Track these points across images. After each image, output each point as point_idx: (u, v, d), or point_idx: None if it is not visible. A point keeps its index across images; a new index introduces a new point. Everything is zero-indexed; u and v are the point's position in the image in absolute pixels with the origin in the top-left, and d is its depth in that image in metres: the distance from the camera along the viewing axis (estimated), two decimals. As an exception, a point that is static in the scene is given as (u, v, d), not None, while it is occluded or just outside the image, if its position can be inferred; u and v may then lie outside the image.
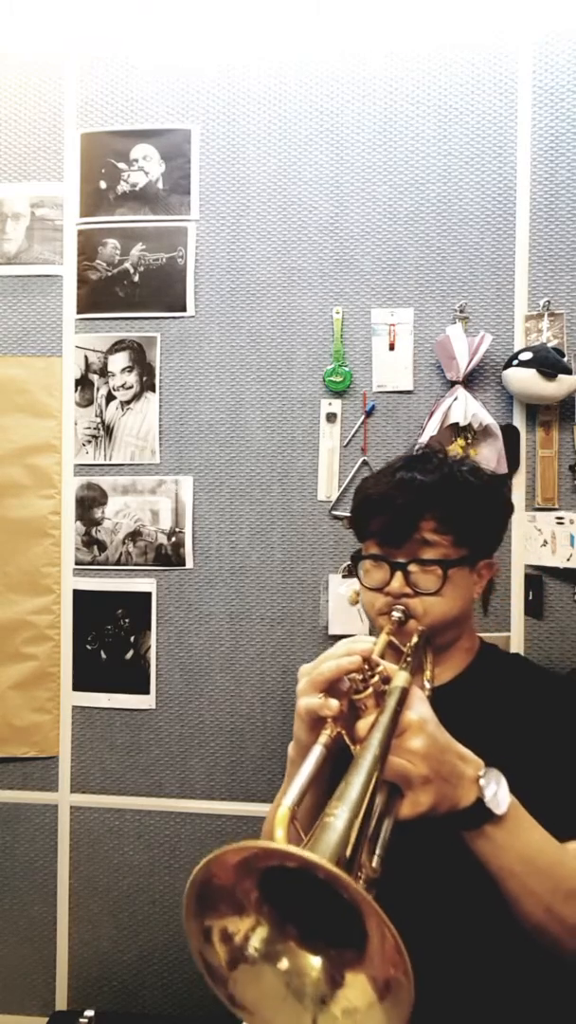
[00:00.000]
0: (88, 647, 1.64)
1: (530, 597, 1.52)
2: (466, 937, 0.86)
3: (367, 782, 0.56)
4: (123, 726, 1.63)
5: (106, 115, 1.65)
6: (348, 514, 1.56)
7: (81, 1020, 1.51)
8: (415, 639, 0.89)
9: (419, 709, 0.69)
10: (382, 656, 0.77)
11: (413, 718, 0.67)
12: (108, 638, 1.64)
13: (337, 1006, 0.48)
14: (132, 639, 1.63)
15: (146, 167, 1.64)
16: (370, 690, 0.70)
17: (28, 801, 1.65)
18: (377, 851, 0.61)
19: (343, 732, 0.69)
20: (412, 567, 0.93)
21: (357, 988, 0.48)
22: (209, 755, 1.61)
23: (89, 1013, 1.53)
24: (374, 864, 0.59)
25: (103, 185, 1.65)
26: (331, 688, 0.73)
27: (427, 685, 0.88)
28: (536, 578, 1.52)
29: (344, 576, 1.57)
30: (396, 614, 0.92)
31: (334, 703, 0.70)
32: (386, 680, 0.72)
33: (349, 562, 1.56)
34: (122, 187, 1.64)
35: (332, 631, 1.56)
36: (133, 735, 1.63)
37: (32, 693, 1.64)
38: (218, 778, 1.60)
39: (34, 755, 1.64)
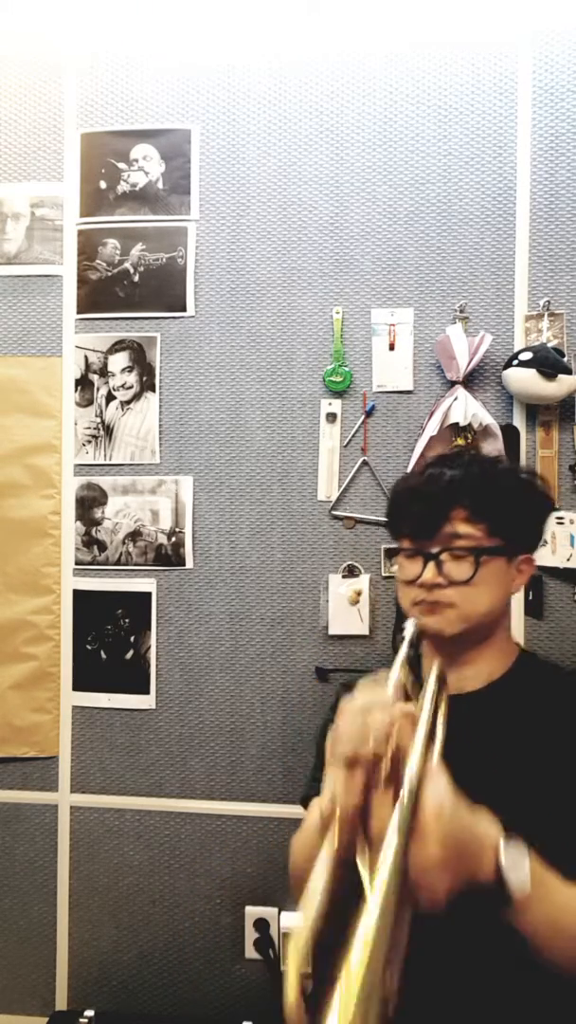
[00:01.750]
0: (88, 647, 1.64)
1: (530, 597, 1.52)
2: (462, 930, 0.85)
3: (378, 938, 0.55)
4: (123, 726, 1.63)
5: (106, 115, 1.65)
6: (352, 515, 1.57)
7: (81, 1020, 1.52)
8: (432, 686, 0.84)
9: (433, 799, 0.65)
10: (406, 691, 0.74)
11: (429, 819, 0.64)
12: (108, 638, 1.64)
13: None
14: (132, 639, 1.63)
15: (146, 167, 1.64)
16: (383, 773, 0.67)
17: (28, 801, 1.65)
18: (394, 961, 0.59)
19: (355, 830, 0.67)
20: (444, 556, 0.92)
21: None
22: (209, 755, 1.61)
23: (89, 1013, 1.53)
24: (391, 983, 0.58)
25: (103, 185, 1.65)
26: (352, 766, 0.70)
27: (438, 731, 0.81)
28: (536, 578, 1.52)
29: (344, 576, 1.57)
30: (408, 632, 0.90)
31: (354, 801, 0.67)
32: (396, 760, 0.68)
33: (350, 562, 1.57)
34: (122, 187, 1.64)
35: (332, 631, 1.56)
36: (133, 735, 1.63)
37: (32, 693, 1.64)
38: (218, 778, 1.60)
39: (34, 755, 1.64)
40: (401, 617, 0.97)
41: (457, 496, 0.93)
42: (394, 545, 1.02)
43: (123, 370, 1.64)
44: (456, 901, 0.68)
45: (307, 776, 1.13)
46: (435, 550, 0.93)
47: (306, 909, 0.57)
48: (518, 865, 0.68)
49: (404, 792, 0.66)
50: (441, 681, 0.88)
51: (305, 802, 1.03)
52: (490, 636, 0.97)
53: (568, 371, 1.45)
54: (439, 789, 0.67)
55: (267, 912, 1.56)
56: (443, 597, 0.92)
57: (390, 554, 1.03)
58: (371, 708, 0.72)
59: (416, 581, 0.94)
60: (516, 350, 1.50)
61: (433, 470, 0.99)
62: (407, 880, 0.62)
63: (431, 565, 0.92)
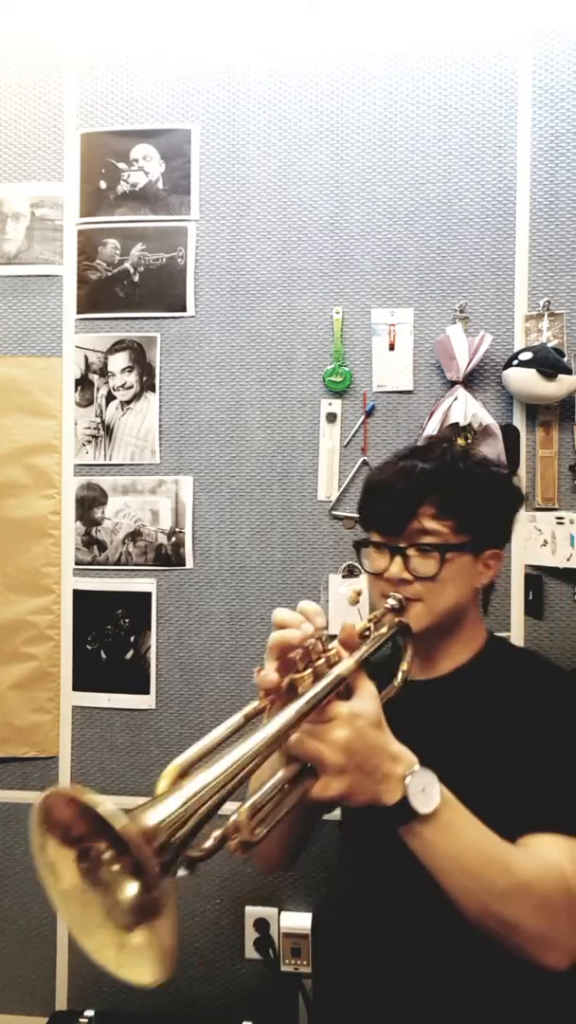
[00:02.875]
0: (88, 647, 1.64)
1: (530, 597, 1.52)
2: (459, 929, 0.86)
3: (245, 756, 0.59)
4: (123, 726, 1.63)
5: (106, 115, 1.65)
6: (352, 515, 1.57)
7: (81, 1020, 1.52)
8: (384, 629, 0.88)
9: (357, 703, 0.70)
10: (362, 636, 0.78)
11: (343, 711, 0.68)
12: (108, 638, 1.64)
13: (136, 936, 0.50)
14: (132, 639, 1.63)
15: (146, 167, 1.64)
16: (308, 671, 0.71)
17: (28, 801, 1.65)
18: (267, 821, 0.62)
19: (275, 708, 0.70)
20: (411, 552, 0.94)
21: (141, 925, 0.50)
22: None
23: (89, 1013, 1.53)
24: (257, 831, 0.61)
25: (103, 185, 1.65)
26: (283, 658, 0.74)
27: (400, 676, 0.88)
28: (536, 578, 1.52)
29: (344, 576, 1.57)
30: (391, 601, 0.93)
31: (272, 677, 0.72)
32: (332, 665, 0.73)
33: (350, 562, 1.57)
34: (122, 187, 1.64)
35: (332, 631, 1.56)
36: (133, 735, 1.63)
37: (32, 693, 1.64)
38: (218, 778, 1.60)
39: (34, 755, 1.64)
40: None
41: (425, 492, 0.94)
42: (363, 536, 1.03)
43: (123, 370, 1.64)
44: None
45: None
46: (401, 545, 0.94)
47: (194, 745, 0.62)
48: (428, 785, 0.71)
49: (325, 678, 0.70)
50: (395, 627, 0.91)
51: None
52: (457, 627, 0.99)
53: (568, 371, 1.45)
54: (367, 700, 0.71)
55: (267, 912, 1.56)
56: (409, 592, 0.93)
57: (358, 546, 1.03)
58: (317, 611, 0.78)
59: (383, 574, 0.95)
60: (516, 350, 1.50)
61: (405, 463, 0.99)
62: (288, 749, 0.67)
63: (397, 560, 0.94)
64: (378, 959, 0.89)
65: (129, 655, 1.63)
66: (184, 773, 0.57)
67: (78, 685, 1.64)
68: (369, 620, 0.87)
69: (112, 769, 1.63)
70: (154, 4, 1.63)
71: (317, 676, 0.71)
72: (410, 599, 0.94)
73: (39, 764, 1.65)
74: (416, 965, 0.88)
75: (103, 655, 1.64)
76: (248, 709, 0.69)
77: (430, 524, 0.94)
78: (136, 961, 0.48)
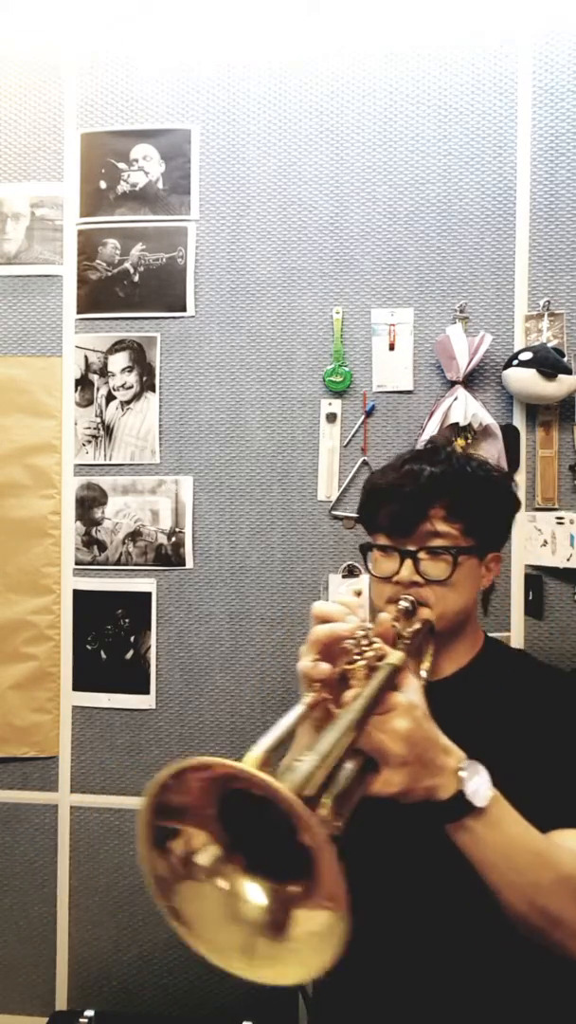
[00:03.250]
0: (88, 647, 1.64)
1: (530, 597, 1.52)
2: (458, 929, 0.86)
3: (337, 739, 0.57)
4: (123, 726, 1.63)
5: (106, 115, 1.65)
6: (352, 515, 1.57)
7: (81, 1020, 1.52)
8: (416, 625, 0.88)
9: (411, 694, 0.69)
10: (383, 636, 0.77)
11: (402, 700, 0.68)
12: (108, 638, 1.64)
13: (274, 935, 0.49)
14: (132, 639, 1.63)
15: (146, 167, 1.64)
16: (363, 663, 0.70)
17: (28, 801, 1.65)
18: (343, 812, 0.61)
19: (329, 698, 0.70)
20: (422, 555, 0.93)
21: (296, 920, 0.49)
22: (209, 755, 1.60)
23: (89, 1013, 1.53)
24: (337, 823, 0.60)
25: (103, 185, 1.65)
26: (327, 650, 0.73)
27: (423, 675, 0.88)
28: (536, 578, 1.52)
29: (344, 576, 1.57)
30: (403, 603, 0.91)
31: (324, 667, 0.71)
32: (381, 658, 0.72)
33: (350, 562, 1.57)
34: (122, 187, 1.64)
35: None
36: (133, 735, 1.63)
37: (32, 693, 1.64)
38: (218, 778, 1.60)
39: (34, 755, 1.64)
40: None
41: (436, 494, 0.93)
42: (368, 540, 1.03)
43: (123, 370, 1.64)
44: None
45: None
46: (413, 548, 0.93)
47: (267, 734, 0.59)
48: (480, 779, 0.71)
49: (382, 670, 0.69)
50: (428, 627, 0.91)
51: None
52: (461, 630, 0.99)
53: (568, 371, 1.45)
54: (415, 692, 0.70)
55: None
56: (419, 595, 0.92)
57: (364, 550, 1.02)
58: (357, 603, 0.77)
59: (392, 578, 0.94)
60: (516, 350, 1.50)
61: (411, 465, 0.98)
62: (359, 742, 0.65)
63: (408, 563, 0.92)
64: (378, 959, 0.89)
65: (129, 655, 1.63)
66: (267, 761, 0.55)
67: (78, 685, 1.64)
68: (394, 617, 0.86)
69: (112, 769, 1.63)
70: (154, 4, 1.63)
71: (369, 667, 0.70)
72: (420, 603, 0.93)
73: (39, 764, 1.65)
74: (416, 966, 0.88)
75: (103, 655, 1.64)
76: (309, 699, 0.68)
77: (441, 526, 0.93)
78: (308, 948, 0.47)
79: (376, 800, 0.66)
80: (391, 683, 0.69)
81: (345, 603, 0.77)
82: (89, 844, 1.63)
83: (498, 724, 0.91)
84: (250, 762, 0.53)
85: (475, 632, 1.03)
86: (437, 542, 0.93)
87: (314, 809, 0.50)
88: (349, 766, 0.65)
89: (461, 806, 0.70)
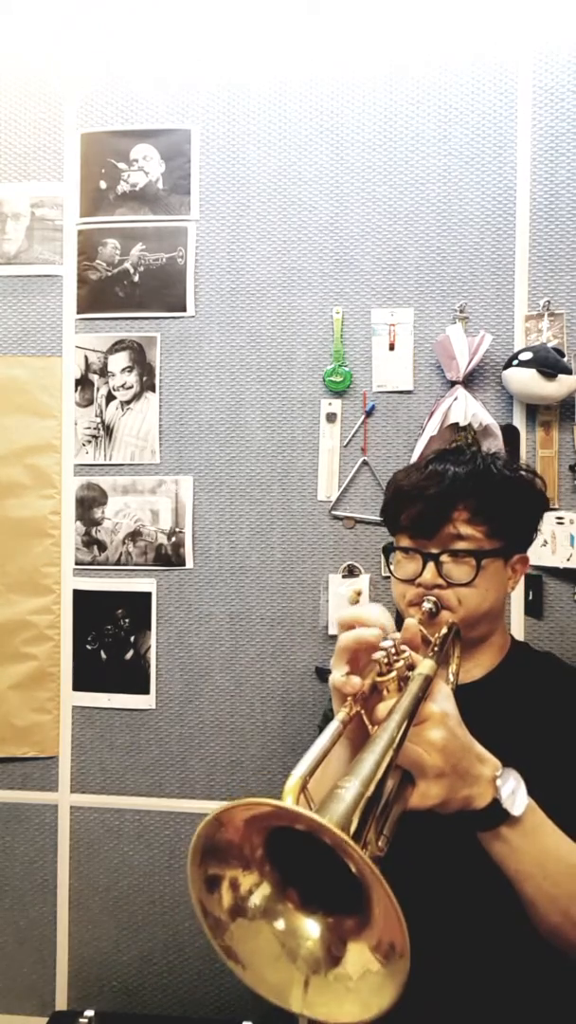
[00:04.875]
0: (88, 647, 1.64)
1: (530, 597, 1.52)
2: (481, 935, 0.85)
3: (379, 761, 0.56)
4: (123, 726, 1.63)
5: (106, 115, 1.65)
6: (352, 515, 1.57)
7: (81, 1020, 1.51)
8: (444, 630, 0.87)
9: (443, 703, 0.68)
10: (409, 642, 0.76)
11: (435, 710, 0.67)
12: (108, 638, 1.64)
13: (330, 971, 0.49)
14: (132, 639, 1.63)
15: (146, 167, 1.64)
16: (393, 674, 0.70)
17: (28, 801, 1.65)
18: (384, 831, 0.60)
19: (363, 712, 0.69)
20: (445, 557, 0.92)
21: (353, 956, 0.48)
22: (209, 755, 1.61)
23: (89, 1013, 1.53)
24: (380, 843, 0.59)
25: (103, 185, 1.65)
26: (356, 659, 0.73)
27: (451, 679, 0.86)
28: (536, 578, 1.52)
29: (344, 576, 1.57)
30: (427, 604, 0.90)
31: (356, 681, 0.69)
32: (411, 667, 0.71)
33: (350, 562, 1.57)
34: (122, 187, 1.64)
35: (332, 631, 1.56)
36: (133, 735, 1.63)
37: (32, 693, 1.64)
38: (218, 778, 1.60)
39: (34, 755, 1.64)
40: (399, 618, 0.97)
41: (460, 496, 0.92)
42: (390, 540, 1.02)
43: (123, 370, 1.64)
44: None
45: None
46: (436, 551, 0.93)
47: (305, 757, 0.59)
48: (517, 787, 0.70)
49: (415, 681, 0.68)
50: (455, 631, 0.90)
51: None
52: (488, 634, 0.98)
53: (568, 371, 1.45)
54: (446, 700, 0.69)
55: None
56: (442, 598, 0.91)
57: (387, 551, 1.01)
58: (384, 611, 0.76)
59: (415, 580, 0.93)
60: (516, 350, 1.50)
61: (436, 466, 0.96)
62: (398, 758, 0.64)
63: (431, 566, 0.92)
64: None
65: (129, 655, 1.63)
66: (304, 785, 0.54)
67: (78, 685, 1.64)
68: (418, 622, 0.84)
69: (112, 769, 1.63)
70: (154, 4, 1.63)
71: (400, 677, 0.69)
72: (443, 605, 0.92)
73: (39, 764, 1.65)
74: (445, 975, 0.87)
75: (103, 655, 1.64)
76: (343, 716, 0.66)
77: (464, 529, 0.92)
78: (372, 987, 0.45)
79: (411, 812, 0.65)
80: (423, 692, 0.68)
81: (372, 610, 0.76)
82: (89, 844, 1.63)
83: (528, 728, 0.90)
84: (292, 790, 0.53)
85: (503, 635, 1.02)
86: (460, 545, 0.92)
87: (363, 842, 0.49)
88: (390, 784, 0.64)
89: (497, 814, 0.69)
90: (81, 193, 1.65)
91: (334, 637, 1.56)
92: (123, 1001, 1.62)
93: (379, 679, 0.70)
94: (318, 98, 1.59)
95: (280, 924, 0.50)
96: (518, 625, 1.53)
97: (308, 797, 0.54)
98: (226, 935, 0.51)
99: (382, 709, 0.68)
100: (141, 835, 1.62)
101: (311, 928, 0.50)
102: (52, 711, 1.64)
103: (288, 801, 0.52)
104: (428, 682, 0.69)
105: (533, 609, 1.52)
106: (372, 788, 0.53)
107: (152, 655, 1.62)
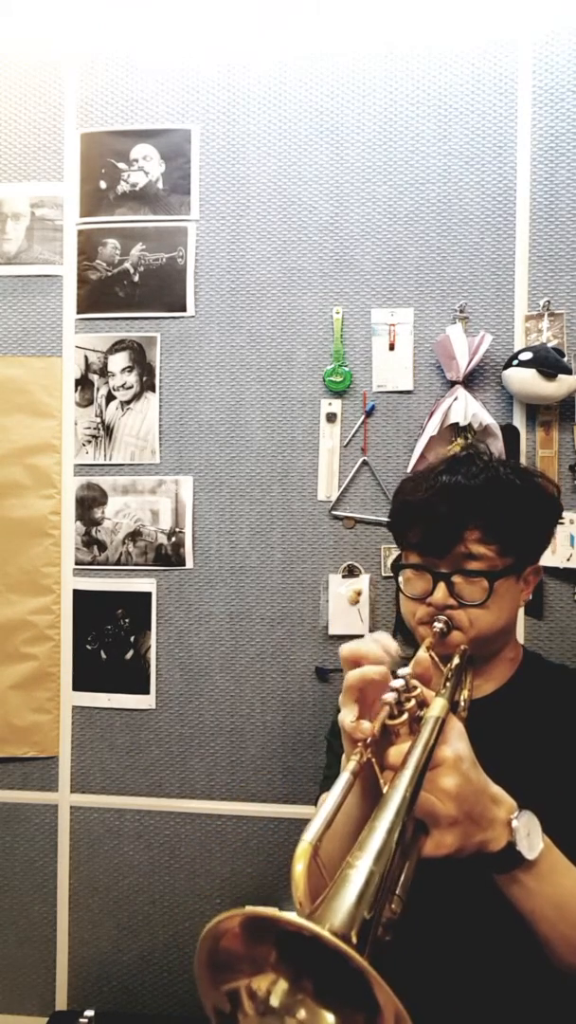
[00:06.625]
0: (88, 647, 1.64)
1: (530, 597, 1.52)
2: (497, 973, 0.84)
3: (392, 827, 0.54)
4: (123, 726, 1.63)
5: (106, 115, 1.65)
6: (352, 515, 1.57)
7: (81, 1020, 1.52)
8: (456, 660, 0.84)
9: (455, 745, 0.65)
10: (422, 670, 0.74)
11: (448, 755, 0.64)
12: (108, 638, 1.64)
13: None
14: (132, 639, 1.63)
15: (146, 167, 1.64)
16: (405, 716, 0.67)
17: (28, 801, 1.65)
18: (398, 891, 0.58)
19: (373, 759, 0.66)
20: (456, 578, 0.89)
21: None
22: (209, 755, 1.61)
23: (89, 1013, 1.53)
24: (393, 906, 0.56)
25: (103, 185, 1.65)
26: (364, 696, 0.70)
27: (463, 704, 0.83)
28: (536, 578, 1.52)
29: (344, 576, 1.57)
30: (438, 625, 0.88)
31: (366, 727, 0.67)
32: (422, 703, 0.68)
33: (350, 562, 1.57)
34: (122, 187, 1.64)
35: (332, 631, 1.56)
36: (133, 735, 1.63)
37: (32, 693, 1.64)
38: (218, 778, 1.60)
39: (34, 755, 1.64)
40: (401, 620, 0.96)
41: (471, 515, 0.89)
42: (398, 552, 0.99)
43: (123, 370, 1.64)
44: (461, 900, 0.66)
45: (320, 775, 1.11)
46: (446, 570, 0.89)
47: (317, 812, 0.56)
48: (532, 829, 0.68)
49: (427, 726, 0.65)
50: (465, 656, 0.87)
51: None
52: (500, 649, 0.96)
53: (568, 371, 1.45)
54: (459, 740, 0.66)
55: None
56: (454, 618, 0.89)
57: (396, 569, 0.98)
58: (389, 642, 0.73)
59: (425, 600, 0.90)
60: (516, 350, 1.50)
61: (445, 478, 0.92)
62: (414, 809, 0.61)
63: (442, 585, 0.89)
64: (421, 1007, 0.88)
65: (129, 655, 1.63)
66: (315, 851, 0.52)
67: (78, 685, 1.64)
68: (428, 648, 0.80)
69: (112, 769, 1.63)
70: (154, 4, 1.63)
71: (411, 718, 0.67)
72: (455, 626, 0.89)
73: (39, 764, 1.65)
74: (414, 967, 0.87)
75: (103, 655, 1.64)
76: (353, 766, 0.63)
77: (476, 549, 0.89)
78: None
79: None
80: (436, 736, 0.65)
81: (379, 639, 0.74)
82: (89, 844, 1.63)
83: (542, 743, 0.88)
84: (301, 856, 0.51)
85: (515, 647, 1.00)
86: (473, 565, 0.89)
87: (371, 938, 0.47)
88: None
89: (512, 858, 0.67)
90: (81, 193, 1.65)
91: (334, 637, 1.56)
92: (123, 1001, 1.62)
93: (390, 722, 0.67)
94: (318, 98, 1.59)
95: (295, 1017, 0.48)
96: (518, 625, 1.53)
97: (320, 863, 0.53)
98: None
99: (394, 754, 0.65)
100: (141, 835, 1.62)
101: (326, 1020, 0.48)
102: (52, 711, 1.64)
103: (298, 869, 0.51)
104: (440, 724, 0.66)
105: (533, 609, 1.52)
106: (384, 865, 0.51)
107: (152, 655, 1.62)
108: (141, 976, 1.62)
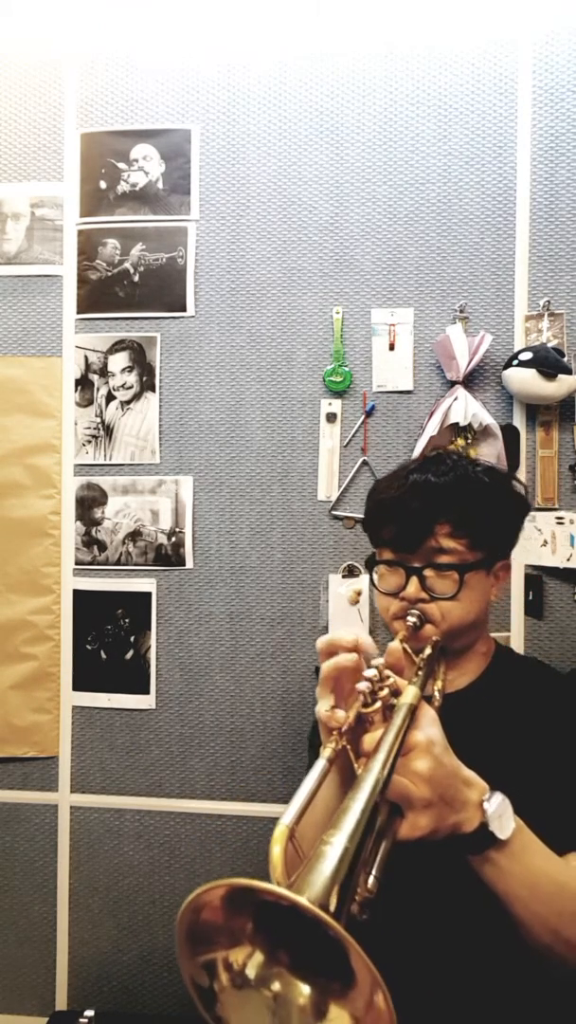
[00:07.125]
0: (88, 647, 1.64)
1: (530, 597, 1.52)
2: (470, 955, 0.85)
3: (366, 807, 0.56)
4: (123, 726, 1.63)
5: (106, 115, 1.65)
6: (352, 514, 1.57)
7: (81, 1020, 1.52)
8: (428, 650, 0.87)
9: (427, 730, 0.67)
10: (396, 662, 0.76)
11: (420, 739, 0.66)
12: (108, 638, 1.64)
13: None
14: (132, 639, 1.63)
15: (146, 167, 1.64)
16: (378, 704, 0.69)
17: (28, 801, 1.65)
18: (374, 872, 0.60)
19: (348, 746, 0.68)
20: (428, 572, 0.92)
21: (339, 1022, 0.48)
22: (209, 755, 1.61)
23: (89, 1013, 1.53)
24: (369, 885, 0.58)
25: (103, 185, 1.65)
26: (339, 686, 0.73)
27: (437, 695, 0.86)
28: (536, 578, 1.52)
29: (344, 576, 1.57)
30: (411, 619, 0.90)
31: (340, 715, 0.69)
32: (396, 692, 0.70)
33: (350, 562, 1.57)
34: (122, 187, 1.64)
35: (332, 631, 1.56)
36: (133, 735, 1.63)
37: (32, 693, 1.64)
38: (218, 778, 1.60)
39: (34, 755, 1.64)
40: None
41: (441, 509, 0.92)
42: (371, 551, 1.01)
43: (123, 370, 1.64)
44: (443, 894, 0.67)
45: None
46: (418, 564, 0.92)
47: (294, 797, 0.59)
48: (503, 810, 0.69)
49: (399, 712, 0.67)
50: (437, 648, 0.90)
51: None
52: (472, 642, 0.98)
53: (568, 371, 1.45)
54: (431, 726, 0.68)
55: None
56: (426, 611, 0.91)
57: (370, 564, 1.01)
58: (361, 635, 0.76)
59: (398, 594, 0.93)
60: (516, 350, 1.50)
61: (416, 476, 0.96)
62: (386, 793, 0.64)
63: (414, 580, 0.92)
64: (399, 989, 0.88)
65: (129, 655, 1.63)
66: (292, 833, 0.54)
67: (78, 685, 1.64)
68: (401, 641, 0.83)
69: (112, 769, 1.63)
70: (154, 4, 1.63)
71: (385, 706, 0.69)
72: (427, 619, 0.91)
73: (39, 764, 1.65)
74: (413, 969, 0.88)
75: (103, 655, 1.64)
76: (329, 753, 0.66)
77: (446, 543, 0.91)
78: None
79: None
80: (408, 722, 0.67)
81: (343, 639, 0.76)
82: (89, 844, 1.63)
83: (514, 736, 0.90)
84: (278, 839, 0.54)
85: (486, 641, 1.02)
86: (443, 559, 0.91)
87: (346, 908, 0.48)
88: (379, 819, 0.63)
89: (485, 838, 0.68)
90: (81, 193, 1.65)
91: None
92: (123, 1001, 1.62)
93: (364, 710, 0.69)
94: (318, 98, 1.59)
95: (271, 990, 0.50)
96: (518, 625, 1.53)
97: (296, 845, 0.54)
98: (217, 1006, 0.51)
99: (368, 740, 0.67)
100: (141, 835, 1.62)
101: (302, 991, 0.50)
102: (52, 711, 1.64)
103: (275, 851, 0.53)
104: (412, 711, 0.68)
105: (533, 609, 1.52)
106: (358, 839, 0.53)
107: (152, 655, 1.62)
108: (141, 976, 1.62)
